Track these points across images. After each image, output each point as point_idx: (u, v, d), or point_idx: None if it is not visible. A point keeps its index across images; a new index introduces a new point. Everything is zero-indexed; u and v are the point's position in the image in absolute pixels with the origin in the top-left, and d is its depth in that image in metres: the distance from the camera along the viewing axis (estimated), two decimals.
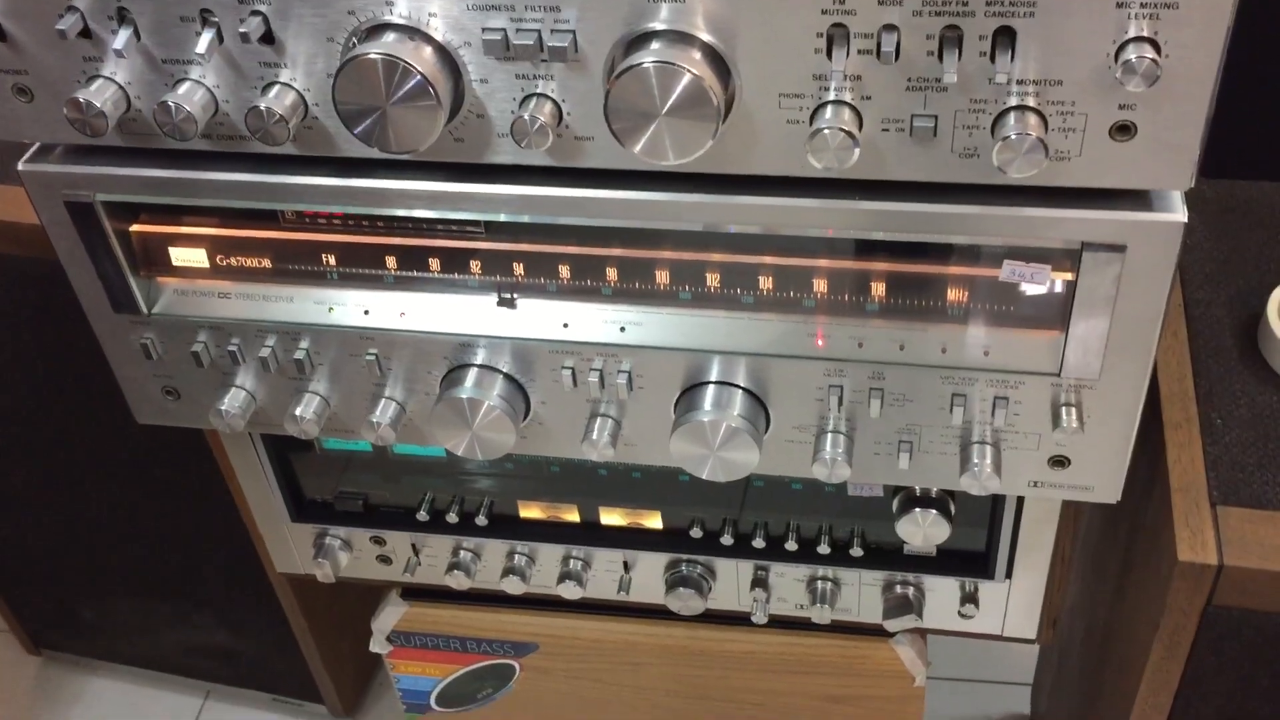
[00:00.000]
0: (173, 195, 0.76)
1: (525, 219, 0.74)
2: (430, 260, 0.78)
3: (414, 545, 1.01)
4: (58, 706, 1.55)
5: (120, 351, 0.84)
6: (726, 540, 0.95)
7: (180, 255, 0.81)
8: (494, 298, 0.78)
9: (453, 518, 0.98)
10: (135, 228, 0.80)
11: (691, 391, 0.78)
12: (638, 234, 0.74)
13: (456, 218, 0.75)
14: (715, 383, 0.77)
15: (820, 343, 0.75)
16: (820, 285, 0.74)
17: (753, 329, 0.76)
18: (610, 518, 0.98)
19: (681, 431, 0.77)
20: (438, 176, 0.72)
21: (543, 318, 0.78)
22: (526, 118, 0.66)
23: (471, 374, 0.79)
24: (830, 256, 0.73)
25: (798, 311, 0.75)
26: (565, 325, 0.78)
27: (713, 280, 0.75)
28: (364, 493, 1.01)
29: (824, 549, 0.93)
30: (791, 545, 0.94)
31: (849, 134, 0.62)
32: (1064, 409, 0.74)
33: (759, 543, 0.94)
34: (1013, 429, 0.76)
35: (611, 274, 0.76)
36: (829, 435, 0.78)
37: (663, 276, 0.76)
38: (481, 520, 0.98)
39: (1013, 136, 0.61)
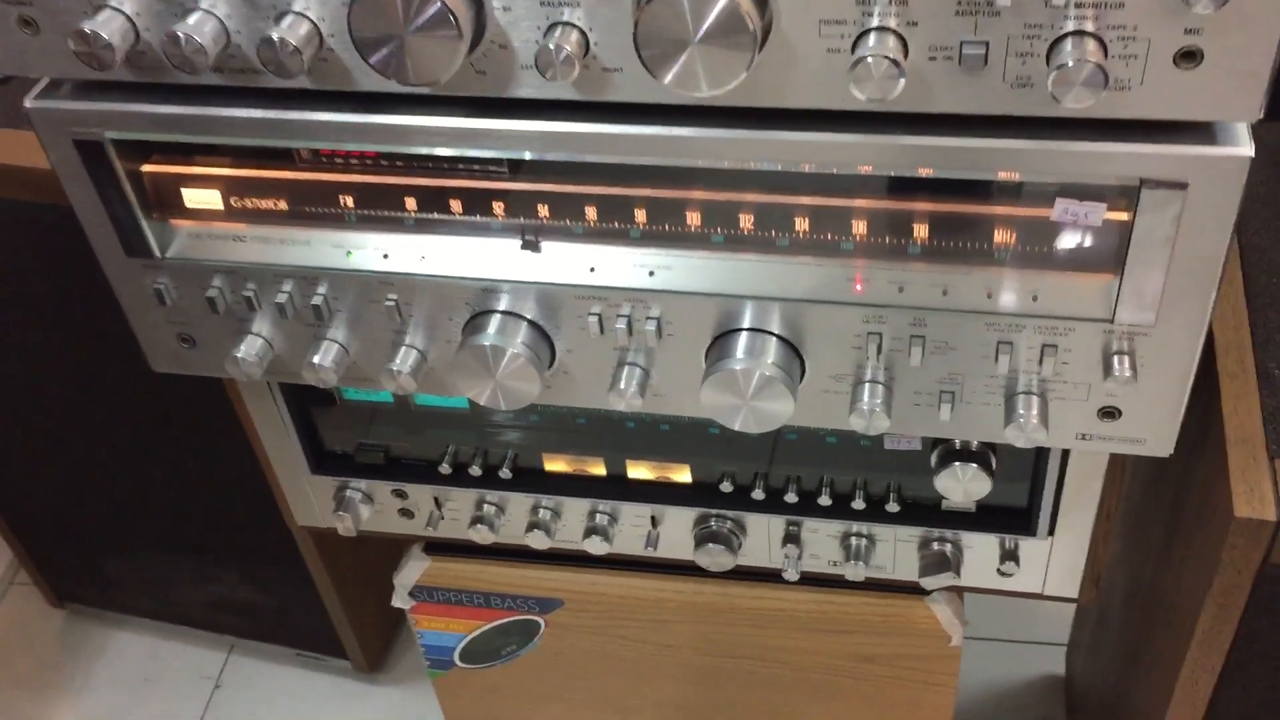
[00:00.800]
0: (184, 133, 0.73)
1: (550, 157, 0.71)
2: (451, 201, 0.75)
3: (436, 499, 1.00)
4: (81, 660, 1.55)
5: (134, 297, 0.82)
6: (758, 495, 0.93)
7: (193, 196, 0.79)
8: (518, 240, 0.76)
9: (476, 470, 0.96)
10: (146, 168, 0.77)
11: (723, 339, 0.75)
12: (668, 172, 0.71)
13: (479, 156, 0.72)
14: (748, 329, 0.75)
15: (859, 287, 0.73)
16: (859, 227, 0.71)
17: (788, 273, 0.73)
18: (638, 471, 0.96)
19: (713, 380, 0.74)
20: (459, 112, 0.69)
21: (568, 261, 0.75)
22: (551, 48, 0.63)
23: (495, 320, 0.77)
24: (870, 196, 0.70)
25: (835, 255, 0.72)
26: (592, 269, 0.75)
27: (746, 222, 0.72)
28: (385, 445, 0.99)
29: (859, 504, 0.91)
30: (825, 500, 0.91)
31: (894, 63, 0.59)
32: (1116, 357, 0.71)
33: (791, 497, 0.92)
34: (1061, 379, 0.73)
35: (640, 215, 0.73)
36: (867, 385, 0.75)
37: (694, 218, 0.73)
38: (505, 473, 0.96)
39: (1069, 64, 0.58)
